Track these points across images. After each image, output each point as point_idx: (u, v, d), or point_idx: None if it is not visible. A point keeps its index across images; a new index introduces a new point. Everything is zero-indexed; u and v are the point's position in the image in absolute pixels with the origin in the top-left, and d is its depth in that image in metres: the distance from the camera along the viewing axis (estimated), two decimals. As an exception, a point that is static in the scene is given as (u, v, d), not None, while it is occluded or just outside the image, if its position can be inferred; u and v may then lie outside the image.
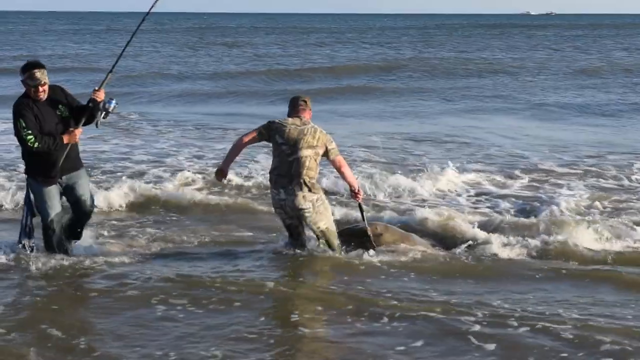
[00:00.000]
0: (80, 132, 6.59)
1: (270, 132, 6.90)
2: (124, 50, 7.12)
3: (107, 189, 9.70)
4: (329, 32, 66.88)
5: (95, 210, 7.32)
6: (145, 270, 6.67)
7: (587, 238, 7.68)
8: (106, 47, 42.59)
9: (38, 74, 6.35)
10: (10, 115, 6.52)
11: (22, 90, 6.55)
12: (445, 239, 7.82)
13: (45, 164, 6.52)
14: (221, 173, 6.99)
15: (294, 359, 5.09)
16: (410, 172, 11.03)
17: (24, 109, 6.40)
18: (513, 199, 9.81)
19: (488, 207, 9.51)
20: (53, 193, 6.65)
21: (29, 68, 6.36)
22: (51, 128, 6.45)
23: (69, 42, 48.82)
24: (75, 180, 6.73)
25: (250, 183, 10.41)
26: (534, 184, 10.72)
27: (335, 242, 7.11)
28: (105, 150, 13.08)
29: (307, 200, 6.83)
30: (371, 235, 7.32)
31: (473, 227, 7.91)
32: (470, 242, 7.56)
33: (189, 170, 11.07)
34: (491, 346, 5.14)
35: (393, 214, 8.74)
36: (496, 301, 5.99)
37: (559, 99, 21.32)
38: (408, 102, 21.06)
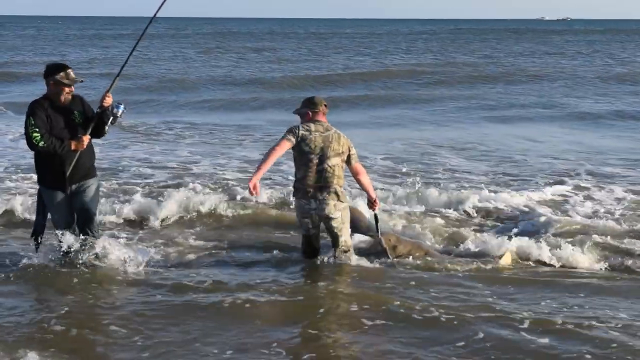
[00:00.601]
0: (88, 139, 6.51)
1: (296, 139, 6.77)
2: (130, 54, 7.02)
3: (157, 197, 9.42)
4: (348, 37, 66.75)
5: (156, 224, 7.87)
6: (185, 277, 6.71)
7: None
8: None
9: (73, 74, 6.43)
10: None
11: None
12: None
13: (53, 171, 6.49)
14: (254, 187, 6.71)
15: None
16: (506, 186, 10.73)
17: (38, 108, 6.42)
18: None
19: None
20: (62, 202, 6.62)
21: (64, 68, 6.42)
22: (62, 131, 6.43)
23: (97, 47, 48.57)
24: (83, 189, 6.64)
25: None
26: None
27: (353, 258, 7.03)
28: (154, 160, 12.67)
29: (337, 209, 6.81)
30: (386, 246, 7.23)
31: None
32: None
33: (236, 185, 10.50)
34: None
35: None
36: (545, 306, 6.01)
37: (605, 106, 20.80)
38: (450, 109, 20.68)
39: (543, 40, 59.63)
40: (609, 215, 9.06)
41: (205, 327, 5.57)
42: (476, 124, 17.98)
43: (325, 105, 6.98)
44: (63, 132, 6.44)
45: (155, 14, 7.10)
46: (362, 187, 7.12)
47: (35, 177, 7.18)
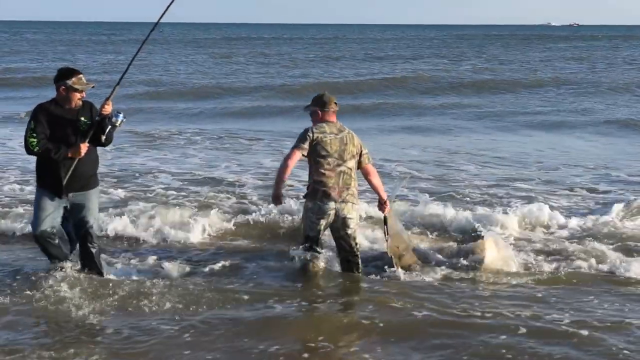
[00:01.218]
0: (86, 147, 6.31)
1: (310, 146, 6.67)
2: (131, 62, 6.82)
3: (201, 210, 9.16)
4: (358, 43, 66.42)
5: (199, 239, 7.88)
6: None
7: None
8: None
9: (85, 79, 6.33)
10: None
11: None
12: None
13: (51, 176, 6.34)
14: (277, 199, 6.79)
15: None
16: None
17: (40, 113, 6.30)
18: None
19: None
20: (49, 206, 6.42)
21: (76, 73, 6.30)
22: (65, 137, 6.28)
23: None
24: (82, 201, 6.47)
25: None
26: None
27: (360, 265, 6.95)
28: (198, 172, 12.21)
29: (354, 210, 6.78)
30: (392, 255, 7.01)
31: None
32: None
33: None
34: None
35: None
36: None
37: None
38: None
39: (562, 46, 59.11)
40: None
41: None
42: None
43: (336, 103, 6.86)
44: (66, 138, 6.29)
45: (159, 20, 6.89)
46: (373, 188, 7.01)
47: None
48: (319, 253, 6.88)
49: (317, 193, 6.70)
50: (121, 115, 6.38)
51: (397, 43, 66.22)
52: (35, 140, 6.23)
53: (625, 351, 5.31)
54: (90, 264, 6.62)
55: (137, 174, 11.79)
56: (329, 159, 6.65)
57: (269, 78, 30.59)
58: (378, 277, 6.93)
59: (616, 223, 8.79)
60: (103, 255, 7.01)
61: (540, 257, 7.60)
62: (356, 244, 6.90)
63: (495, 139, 16.64)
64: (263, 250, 7.95)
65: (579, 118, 19.90)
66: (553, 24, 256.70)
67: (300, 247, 6.96)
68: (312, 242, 6.84)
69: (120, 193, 10.29)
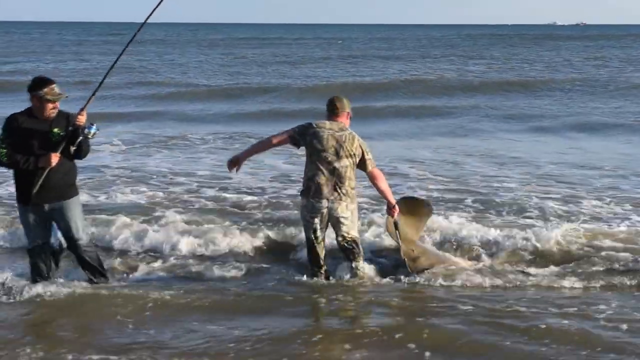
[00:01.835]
0: (57, 157, 6.11)
1: (305, 137, 6.61)
2: (111, 68, 6.61)
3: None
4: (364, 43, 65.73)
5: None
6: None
7: None
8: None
9: (57, 89, 6.14)
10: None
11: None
12: None
13: (22, 187, 6.21)
14: (235, 163, 6.70)
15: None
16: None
17: (11, 123, 6.16)
18: None
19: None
20: (32, 220, 6.31)
21: (49, 83, 6.10)
22: (33, 148, 6.10)
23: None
24: (61, 212, 6.31)
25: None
26: None
27: (361, 251, 6.83)
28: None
29: (348, 210, 6.64)
30: (405, 257, 6.88)
31: None
32: None
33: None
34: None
35: None
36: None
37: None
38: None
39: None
40: None
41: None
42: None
43: (340, 105, 6.72)
44: (35, 150, 6.11)
45: (146, 20, 6.72)
46: (380, 193, 6.90)
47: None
48: (320, 271, 6.77)
49: (309, 190, 6.62)
50: (94, 127, 6.16)
51: (410, 43, 65.55)
52: (4, 150, 6.10)
53: None
54: (91, 270, 6.57)
55: (154, 176, 11.68)
56: (323, 154, 6.55)
57: (286, 78, 30.01)
58: (393, 282, 6.81)
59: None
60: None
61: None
62: (354, 241, 6.74)
63: (578, 144, 15.56)
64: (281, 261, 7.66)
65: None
66: (559, 24, 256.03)
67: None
68: (312, 245, 6.71)
69: (141, 197, 10.16)
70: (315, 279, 6.72)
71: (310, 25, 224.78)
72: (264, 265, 7.43)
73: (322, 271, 6.77)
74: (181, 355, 5.20)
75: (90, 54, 45.99)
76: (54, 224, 6.40)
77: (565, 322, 5.74)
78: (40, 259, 6.44)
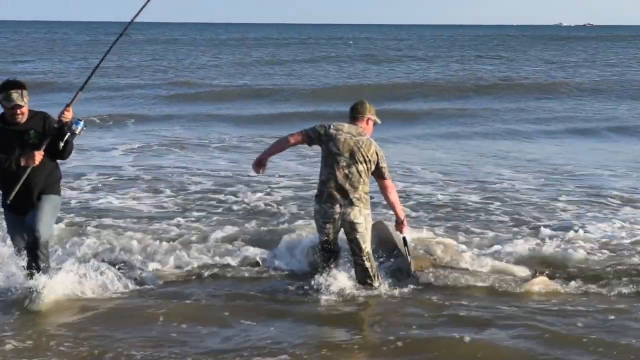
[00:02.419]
0: (40, 155, 5.91)
1: (321, 137, 6.46)
2: (98, 65, 6.45)
3: None
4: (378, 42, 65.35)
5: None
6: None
7: None
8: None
9: (15, 95, 5.82)
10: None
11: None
12: None
13: (6, 188, 5.99)
14: (260, 164, 6.60)
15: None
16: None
17: None
18: None
19: None
20: (15, 222, 6.16)
21: (6, 88, 5.83)
22: (10, 149, 5.92)
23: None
24: (34, 210, 6.02)
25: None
26: None
27: (374, 265, 6.59)
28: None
29: (362, 215, 6.45)
30: (416, 273, 6.69)
31: None
32: None
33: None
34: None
35: None
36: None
37: None
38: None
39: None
40: None
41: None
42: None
43: (362, 110, 6.55)
44: (12, 151, 5.92)
45: (133, 19, 6.62)
46: (390, 205, 6.68)
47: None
48: (334, 256, 6.59)
49: (322, 195, 6.46)
50: (81, 123, 6.00)
51: (424, 43, 65.26)
52: None
53: None
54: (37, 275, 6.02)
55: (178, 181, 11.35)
56: (338, 158, 6.39)
57: (319, 79, 29.63)
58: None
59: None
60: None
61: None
62: (366, 247, 6.50)
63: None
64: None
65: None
66: (564, 24, 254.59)
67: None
68: (326, 243, 6.55)
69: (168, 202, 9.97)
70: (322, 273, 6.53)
71: (306, 25, 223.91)
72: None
73: (330, 265, 6.57)
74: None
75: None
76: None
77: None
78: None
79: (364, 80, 29.28)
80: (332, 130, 6.44)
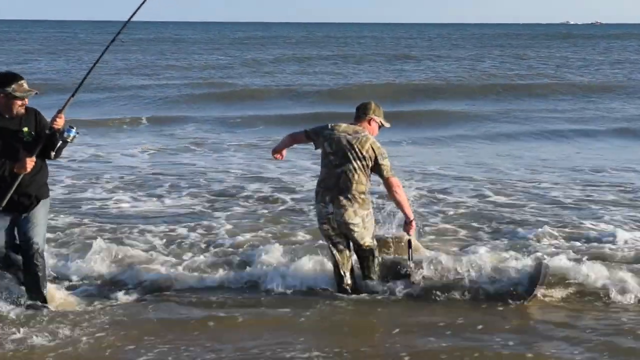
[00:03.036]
0: (32, 162, 5.67)
1: (318, 138, 6.32)
2: (92, 69, 6.15)
3: None
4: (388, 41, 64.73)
5: None
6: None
7: None
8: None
9: (26, 85, 5.72)
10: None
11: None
12: None
13: None
14: (278, 151, 6.56)
15: None
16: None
17: None
18: None
19: None
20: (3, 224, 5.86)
21: (18, 79, 5.69)
22: (5, 148, 5.68)
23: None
24: (27, 217, 5.82)
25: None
26: None
27: (376, 263, 6.33)
28: None
29: (358, 216, 6.15)
30: (417, 277, 6.32)
31: None
32: None
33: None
34: None
35: None
36: None
37: None
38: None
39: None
40: None
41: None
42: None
43: (365, 110, 6.33)
44: (8, 150, 5.69)
45: (130, 18, 6.34)
46: (396, 205, 6.31)
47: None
48: (342, 283, 6.28)
49: (317, 195, 6.33)
50: (73, 130, 5.74)
51: (437, 42, 64.60)
52: None
53: None
54: (33, 282, 5.93)
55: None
56: (331, 157, 6.22)
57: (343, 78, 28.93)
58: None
59: None
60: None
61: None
62: (365, 242, 6.23)
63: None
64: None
65: None
66: (571, 23, 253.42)
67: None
68: (334, 259, 6.30)
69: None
70: (339, 292, 6.25)
71: (309, 24, 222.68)
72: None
73: (346, 284, 6.26)
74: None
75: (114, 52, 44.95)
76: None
77: None
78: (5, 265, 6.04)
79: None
80: (327, 131, 6.28)
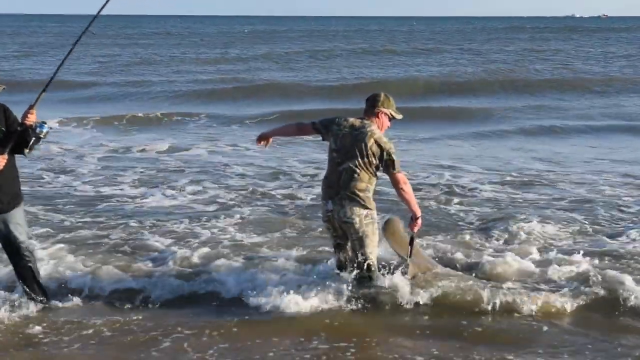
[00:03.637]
0: (4, 160, 5.54)
1: (327, 132, 6.13)
2: (62, 63, 5.98)
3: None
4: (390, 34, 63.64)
5: None
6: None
7: None
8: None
9: None
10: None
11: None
12: None
13: None
14: (264, 138, 6.36)
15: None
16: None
17: None
18: None
19: None
20: None
21: None
22: None
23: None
24: (6, 220, 5.70)
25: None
26: None
27: (375, 272, 6.08)
28: None
29: (356, 215, 5.95)
30: (411, 278, 6.21)
31: None
32: None
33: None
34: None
35: None
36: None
37: None
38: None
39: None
40: None
41: None
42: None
43: (374, 102, 6.07)
44: None
45: (99, 11, 6.23)
46: (403, 201, 6.14)
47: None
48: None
49: (321, 192, 6.23)
50: (46, 126, 5.62)
51: (446, 36, 63.61)
52: None
53: None
54: (31, 284, 5.88)
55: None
56: (334, 154, 6.06)
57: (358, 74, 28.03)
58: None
59: None
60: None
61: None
62: (366, 246, 5.99)
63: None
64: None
65: None
66: (577, 15, 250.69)
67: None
68: (337, 257, 6.22)
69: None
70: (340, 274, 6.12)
71: (317, 17, 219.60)
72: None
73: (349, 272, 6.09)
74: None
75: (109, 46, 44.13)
76: None
77: None
78: None
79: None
80: (334, 127, 6.08)
